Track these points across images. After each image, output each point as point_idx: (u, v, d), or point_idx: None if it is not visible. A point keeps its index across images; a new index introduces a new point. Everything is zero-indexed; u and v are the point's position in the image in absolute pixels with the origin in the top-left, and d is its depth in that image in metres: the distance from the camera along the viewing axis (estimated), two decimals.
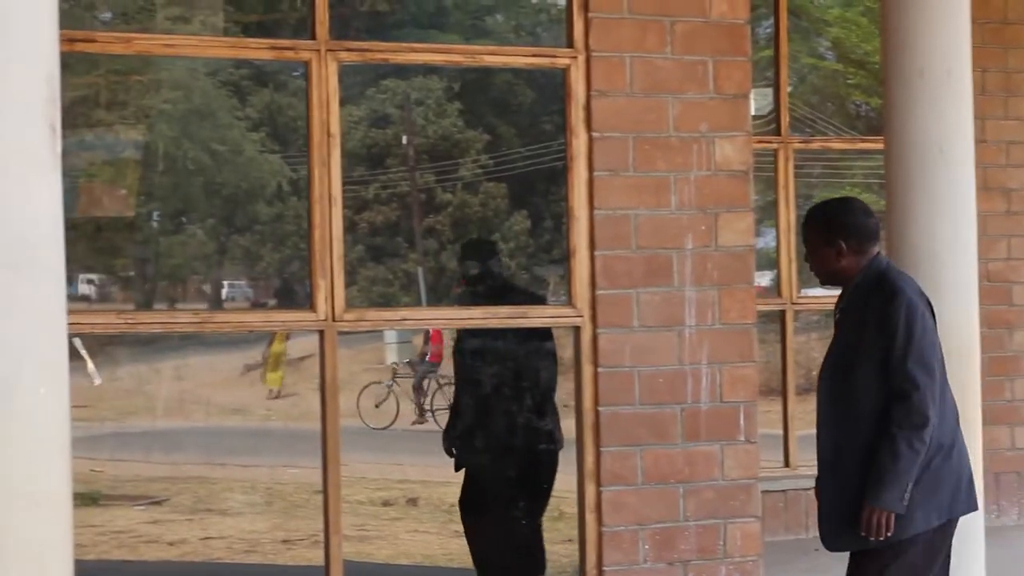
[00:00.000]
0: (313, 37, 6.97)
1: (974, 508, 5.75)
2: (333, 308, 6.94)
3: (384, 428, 16.09)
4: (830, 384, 5.70)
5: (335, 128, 6.95)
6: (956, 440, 5.62)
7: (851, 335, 5.68)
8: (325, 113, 6.94)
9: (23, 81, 3.10)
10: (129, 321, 7.03)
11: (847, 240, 5.65)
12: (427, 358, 17.55)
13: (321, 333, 6.96)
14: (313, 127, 6.94)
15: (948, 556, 5.72)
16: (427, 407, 17.18)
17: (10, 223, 3.03)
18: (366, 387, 17.04)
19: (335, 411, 6.97)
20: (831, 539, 5.69)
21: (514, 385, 8.20)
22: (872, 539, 5.45)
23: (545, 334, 8.01)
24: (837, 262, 5.69)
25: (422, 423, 16.83)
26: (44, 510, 3.11)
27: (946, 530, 5.61)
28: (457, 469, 8.33)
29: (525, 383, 8.23)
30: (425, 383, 17.30)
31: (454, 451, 8.35)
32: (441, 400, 17.42)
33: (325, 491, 7.02)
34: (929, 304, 5.61)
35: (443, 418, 16.98)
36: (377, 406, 16.76)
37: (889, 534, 5.42)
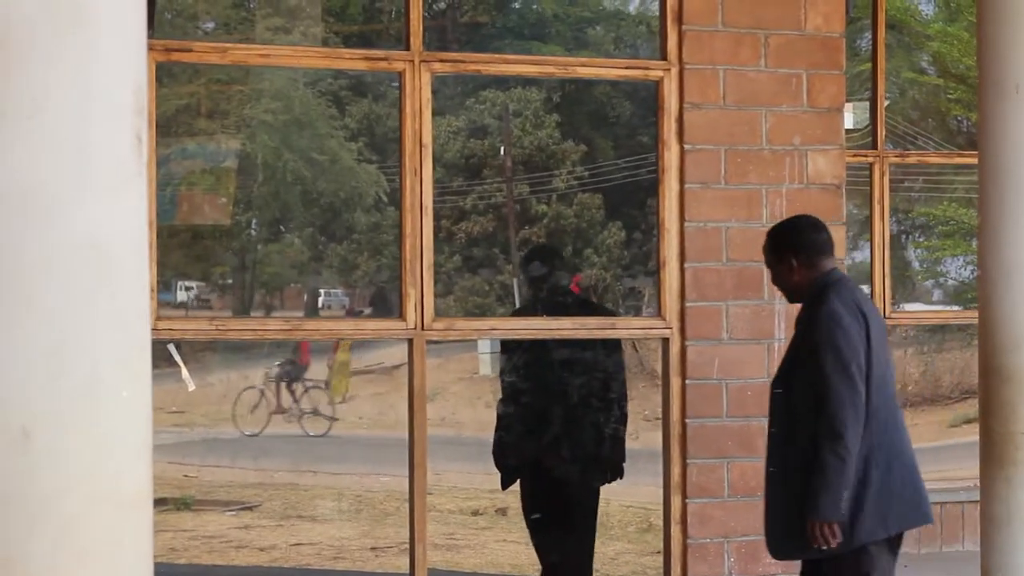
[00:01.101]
0: (407, 48, 7.01)
1: (925, 521, 5.88)
2: (422, 317, 6.98)
3: (257, 434, 16.33)
4: (775, 395, 5.86)
5: (427, 138, 7.00)
6: (901, 452, 5.72)
7: (794, 347, 5.87)
8: (418, 123, 6.98)
9: (111, 93, 3.14)
10: (221, 328, 7.10)
11: (796, 256, 5.85)
12: (298, 361, 17.80)
13: (410, 342, 7.00)
14: (405, 137, 6.99)
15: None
16: (296, 411, 17.47)
17: (96, 232, 3.08)
18: (241, 393, 17.22)
19: (423, 419, 7.00)
20: (776, 548, 5.84)
21: (573, 397, 8.08)
22: (824, 549, 5.55)
23: (611, 346, 7.88)
24: (791, 278, 5.88)
25: (289, 423, 17.30)
26: (126, 512, 3.14)
27: (896, 542, 5.73)
28: (505, 487, 8.17)
29: (584, 396, 8.09)
30: (295, 385, 17.57)
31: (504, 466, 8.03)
32: (307, 403, 17.62)
33: (411, 499, 7.05)
34: (865, 316, 5.68)
35: (312, 423, 17.22)
36: (252, 411, 16.97)
37: (837, 542, 5.52)
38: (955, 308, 17.07)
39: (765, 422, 7.11)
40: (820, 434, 5.54)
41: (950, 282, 18.31)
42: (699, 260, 7.18)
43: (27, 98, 3.03)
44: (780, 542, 5.80)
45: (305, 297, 20.36)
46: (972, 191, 15.96)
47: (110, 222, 3.12)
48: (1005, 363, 6.65)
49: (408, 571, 7.15)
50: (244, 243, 18.07)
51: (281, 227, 18.70)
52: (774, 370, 7.23)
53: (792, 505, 5.67)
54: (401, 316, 7.02)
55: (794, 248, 5.88)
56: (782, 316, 7.24)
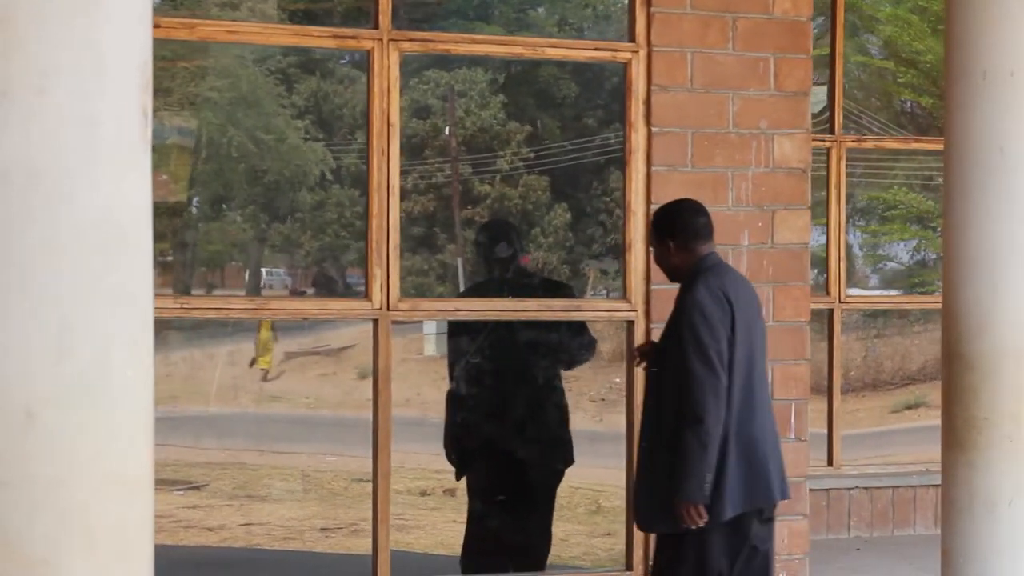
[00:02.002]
0: (375, 26, 6.97)
1: (775, 499, 6.08)
2: (388, 297, 6.95)
3: None
4: (650, 372, 6.12)
5: (395, 118, 6.97)
6: (752, 434, 5.93)
7: (667, 327, 6.10)
8: (385, 102, 6.95)
9: (118, 68, 3.11)
10: (185, 306, 7.04)
11: (674, 239, 6.06)
12: None
13: (375, 322, 6.97)
14: (373, 116, 6.95)
15: (766, 541, 6.10)
16: None
17: (106, 207, 3.05)
18: None
19: (387, 400, 6.97)
20: (642, 521, 6.18)
21: (532, 378, 8.04)
22: (692, 527, 5.82)
23: (575, 327, 7.82)
24: (670, 260, 6.12)
25: None
26: (130, 491, 3.11)
27: (743, 521, 5.94)
28: (460, 477, 8.11)
29: (542, 377, 8.04)
30: None
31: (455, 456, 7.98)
32: None
33: (375, 480, 7.02)
34: (731, 303, 5.89)
35: None
36: None
37: (704, 520, 5.81)
38: (893, 292, 17.14)
39: None
40: (683, 419, 5.77)
41: (889, 267, 18.39)
42: None
43: (36, 74, 2.99)
44: (646, 515, 6.08)
45: (247, 276, 20.21)
46: (913, 176, 16.04)
47: (119, 198, 3.08)
48: (968, 350, 6.70)
49: (364, 551, 7.13)
50: (186, 220, 17.93)
51: (224, 205, 18.54)
52: None
53: (659, 479, 5.91)
54: (367, 296, 6.99)
55: (672, 231, 6.09)
56: None
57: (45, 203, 2.99)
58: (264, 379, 18.11)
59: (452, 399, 7.97)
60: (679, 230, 6.08)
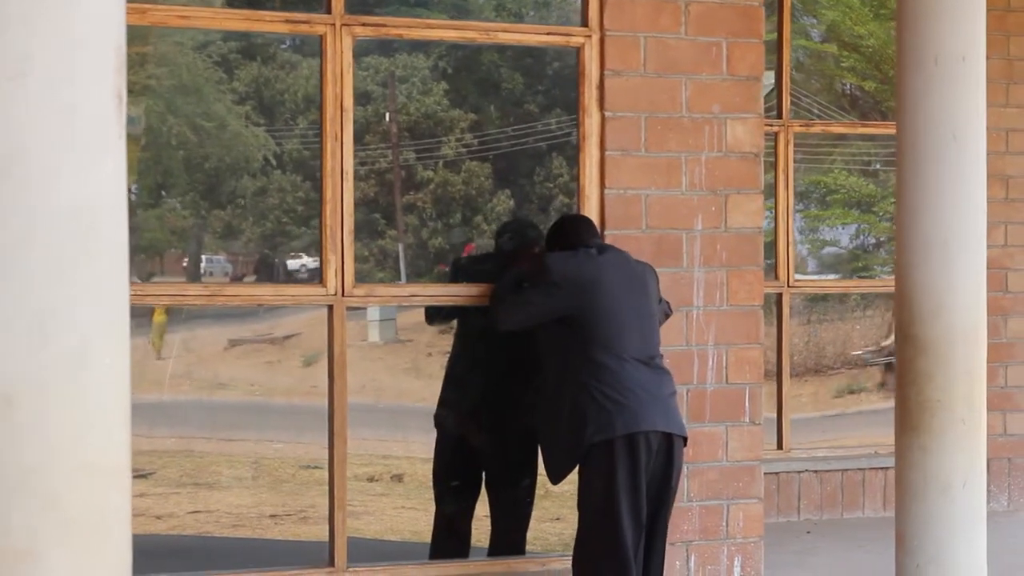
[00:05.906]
0: (328, 11, 6.96)
1: (650, 428, 6.41)
2: (343, 283, 6.93)
3: None
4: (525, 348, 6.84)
5: (348, 102, 6.96)
6: (616, 376, 6.43)
7: None
8: (339, 87, 6.94)
9: (93, 51, 3.07)
10: (138, 293, 7.00)
11: (560, 245, 6.76)
12: None
13: (330, 308, 6.96)
14: (327, 101, 6.93)
15: (662, 475, 6.48)
16: None
17: (82, 193, 3.01)
18: None
19: (343, 387, 6.96)
20: (550, 476, 6.75)
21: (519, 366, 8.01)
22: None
23: None
24: None
25: None
26: (109, 479, 3.08)
27: (633, 440, 6.36)
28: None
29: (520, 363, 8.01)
30: None
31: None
32: None
33: (331, 467, 7.02)
34: (585, 268, 6.52)
35: None
36: None
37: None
38: (834, 276, 17.19)
39: (682, 389, 7.19)
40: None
41: (831, 251, 18.43)
42: (619, 227, 7.19)
43: (14, 58, 2.95)
44: (548, 468, 6.71)
45: (186, 263, 20.02)
46: (853, 160, 16.09)
47: (95, 186, 3.05)
48: (921, 333, 6.76)
49: (318, 538, 7.13)
50: (128, 207, 17.71)
51: (163, 192, 18.38)
52: (692, 338, 7.30)
53: (543, 433, 6.69)
54: (321, 282, 6.97)
55: (557, 239, 6.80)
56: (701, 284, 7.27)
57: (24, 189, 2.95)
58: (157, 358, 17.96)
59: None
60: (563, 236, 6.78)
